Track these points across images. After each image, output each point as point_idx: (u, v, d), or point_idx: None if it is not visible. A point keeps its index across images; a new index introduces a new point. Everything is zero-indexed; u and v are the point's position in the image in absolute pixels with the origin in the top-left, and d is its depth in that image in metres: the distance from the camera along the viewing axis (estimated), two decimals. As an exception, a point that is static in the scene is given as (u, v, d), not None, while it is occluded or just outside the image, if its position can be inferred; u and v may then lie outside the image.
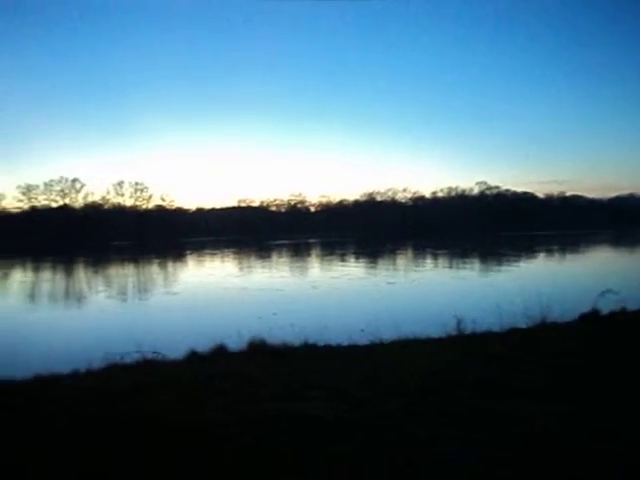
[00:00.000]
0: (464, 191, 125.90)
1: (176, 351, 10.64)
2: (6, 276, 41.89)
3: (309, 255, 58.10)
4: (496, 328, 11.31)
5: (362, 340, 11.53)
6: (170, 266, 48.92)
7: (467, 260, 45.77)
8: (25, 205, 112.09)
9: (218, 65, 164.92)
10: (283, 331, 11.75)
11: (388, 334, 11.31)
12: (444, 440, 4.78)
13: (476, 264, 42.86)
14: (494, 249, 57.38)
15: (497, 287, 24.55)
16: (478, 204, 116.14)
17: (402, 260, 48.30)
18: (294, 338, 11.04)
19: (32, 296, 28.15)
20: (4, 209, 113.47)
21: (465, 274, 32.85)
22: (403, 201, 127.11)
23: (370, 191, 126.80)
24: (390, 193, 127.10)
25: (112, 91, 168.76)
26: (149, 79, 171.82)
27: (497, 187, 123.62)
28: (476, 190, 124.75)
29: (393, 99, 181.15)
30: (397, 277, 31.27)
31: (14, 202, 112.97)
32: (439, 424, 5.23)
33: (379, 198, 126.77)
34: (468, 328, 10.86)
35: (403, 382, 6.89)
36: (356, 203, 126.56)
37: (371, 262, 45.15)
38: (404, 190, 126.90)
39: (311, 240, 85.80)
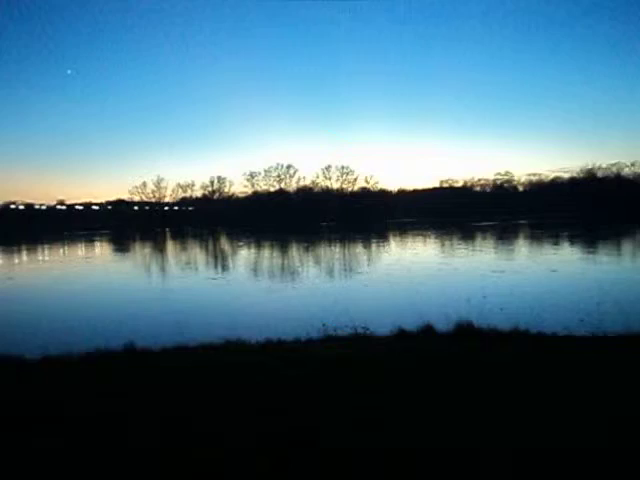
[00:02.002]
0: None
1: (384, 327, 11.06)
2: (237, 250, 48.30)
3: (518, 237, 54.53)
4: None
5: (579, 331, 10.56)
6: (375, 246, 50.59)
7: None
8: (249, 190, 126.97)
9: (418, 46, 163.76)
10: (492, 315, 11.36)
11: (614, 326, 10.16)
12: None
13: None
14: None
15: None
16: None
17: None
18: (503, 323, 10.61)
19: (256, 270, 31.94)
20: (233, 194, 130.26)
21: None
22: (630, 177, 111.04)
23: (589, 166, 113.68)
24: (614, 168, 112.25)
25: (324, 84, 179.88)
26: (359, 72, 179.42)
27: None
28: None
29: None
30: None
31: (240, 187, 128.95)
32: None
33: (600, 174, 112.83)
34: None
35: None
36: (573, 181, 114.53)
37: (600, 247, 40.29)
38: (632, 165, 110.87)
39: (520, 221, 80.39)
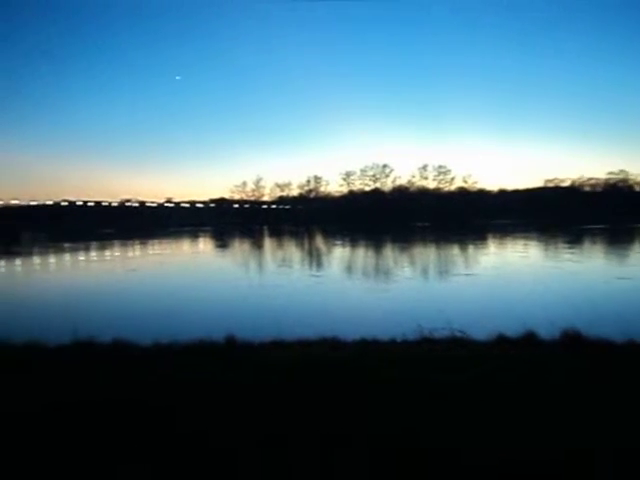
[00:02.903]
0: None
1: (483, 332, 10.66)
2: (333, 249, 49.01)
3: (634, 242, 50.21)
4: None
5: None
6: (473, 248, 48.97)
7: None
8: (345, 189, 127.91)
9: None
10: (605, 324, 10.57)
11: None
12: None
13: None
14: None
15: None
16: None
17: None
18: (616, 334, 9.82)
19: (351, 268, 32.15)
20: (329, 193, 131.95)
21: None
22: None
23: None
24: None
25: (421, 82, 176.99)
26: (456, 69, 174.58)
27: None
28: None
29: None
30: None
31: (336, 186, 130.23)
32: None
33: None
34: None
35: None
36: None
37: None
38: None
39: (638, 225, 73.90)
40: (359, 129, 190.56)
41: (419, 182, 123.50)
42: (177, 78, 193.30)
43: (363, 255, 43.51)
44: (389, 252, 46.69)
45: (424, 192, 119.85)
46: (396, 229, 78.40)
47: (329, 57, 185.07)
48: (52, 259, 46.31)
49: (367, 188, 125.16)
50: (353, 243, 57.06)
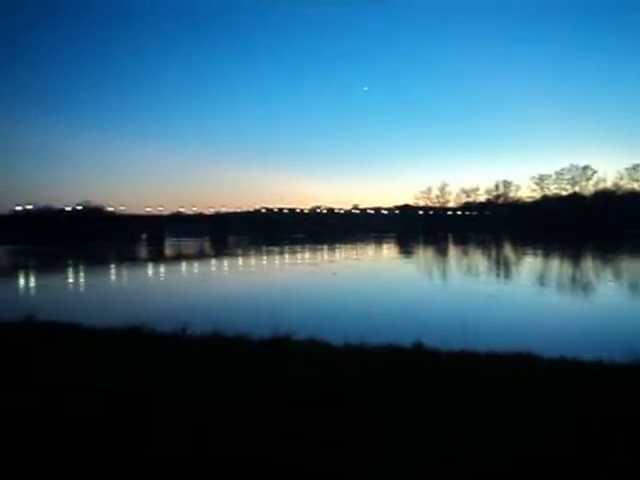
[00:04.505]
0: None
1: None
2: (523, 259, 45.95)
3: None
4: None
5: None
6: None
7: None
8: (537, 194, 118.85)
9: None
10: None
11: None
12: None
13: None
14: None
15: None
16: None
17: None
18: None
19: (543, 281, 29.76)
20: (519, 198, 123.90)
21: None
22: None
23: None
24: None
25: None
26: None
27: None
28: None
29: None
30: None
31: (528, 191, 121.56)
32: None
33: None
34: None
35: None
36: None
37: None
38: None
39: None
40: (552, 128, 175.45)
41: (629, 184, 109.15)
42: (365, 89, 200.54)
43: (560, 266, 39.96)
44: (589, 264, 42.07)
45: (635, 196, 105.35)
46: (600, 238, 70.26)
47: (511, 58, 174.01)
48: (255, 260, 51.55)
49: (564, 192, 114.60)
50: (547, 252, 52.67)
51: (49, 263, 49.34)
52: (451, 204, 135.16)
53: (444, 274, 35.18)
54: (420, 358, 9.14)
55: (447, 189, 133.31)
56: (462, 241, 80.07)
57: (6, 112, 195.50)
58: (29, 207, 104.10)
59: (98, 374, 6.85)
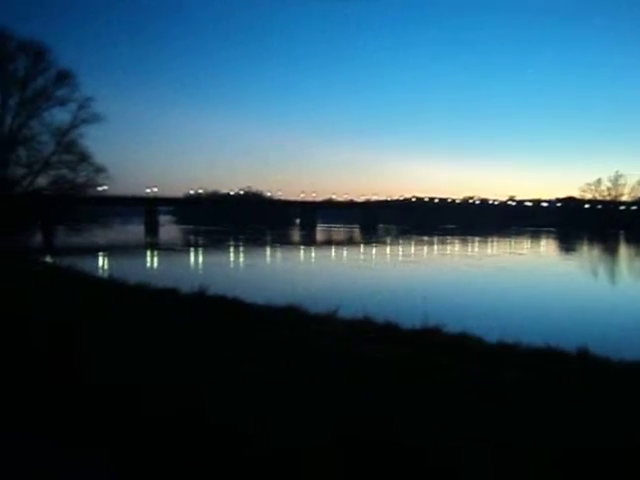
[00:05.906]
0: None
1: None
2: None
3: None
4: None
5: None
6: None
7: None
8: None
9: None
10: None
11: None
12: None
13: None
14: None
15: None
16: None
17: None
18: None
19: None
20: None
21: None
22: None
23: None
24: None
25: None
26: None
27: None
28: None
29: None
30: None
31: None
32: None
33: None
34: None
35: None
36: None
37: None
38: None
39: None
40: None
41: None
42: (528, 71, 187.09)
43: None
44: None
45: None
46: None
47: None
48: (404, 249, 51.38)
49: None
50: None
51: (216, 242, 54.33)
52: (625, 198, 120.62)
53: (616, 276, 31.77)
54: (585, 365, 8.42)
55: (620, 181, 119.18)
56: (637, 240, 71.06)
57: (192, 110, 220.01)
58: (200, 191, 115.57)
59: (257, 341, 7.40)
